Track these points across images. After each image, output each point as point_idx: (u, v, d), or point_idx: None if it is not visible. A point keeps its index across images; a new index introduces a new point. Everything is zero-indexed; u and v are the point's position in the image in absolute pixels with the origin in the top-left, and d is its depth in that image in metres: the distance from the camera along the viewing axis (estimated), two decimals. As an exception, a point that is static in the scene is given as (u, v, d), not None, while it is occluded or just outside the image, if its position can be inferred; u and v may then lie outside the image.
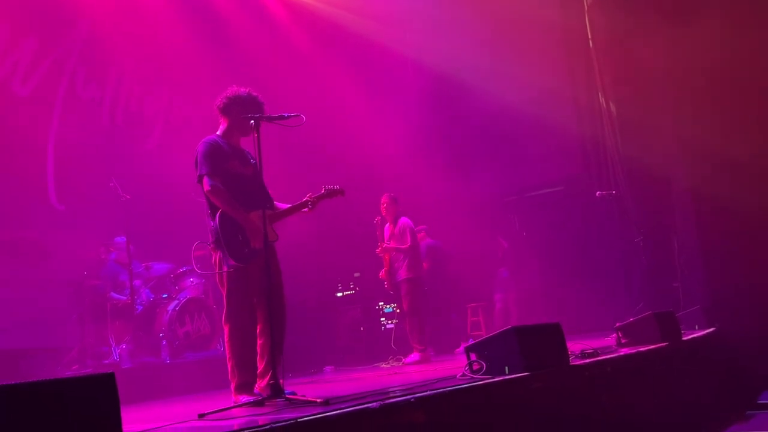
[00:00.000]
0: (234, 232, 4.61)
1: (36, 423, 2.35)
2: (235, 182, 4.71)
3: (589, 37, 10.07)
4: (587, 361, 5.07)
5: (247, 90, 4.88)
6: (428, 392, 3.66)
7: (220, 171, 4.69)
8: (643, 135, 8.93)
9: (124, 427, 2.67)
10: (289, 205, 4.99)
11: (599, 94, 10.05)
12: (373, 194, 8.64)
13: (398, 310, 9.58)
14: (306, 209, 4.97)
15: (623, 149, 9.61)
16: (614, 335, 6.50)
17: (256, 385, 4.63)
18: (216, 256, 4.71)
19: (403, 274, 8.25)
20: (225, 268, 4.63)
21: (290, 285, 5.01)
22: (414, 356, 7.99)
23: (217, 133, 4.92)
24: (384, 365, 8.03)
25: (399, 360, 8.15)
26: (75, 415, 2.44)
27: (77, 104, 8.59)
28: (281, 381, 4.27)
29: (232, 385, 4.60)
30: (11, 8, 7.95)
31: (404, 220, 8.39)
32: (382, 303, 10.22)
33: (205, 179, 4.66)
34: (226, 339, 4.69)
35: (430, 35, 11.26)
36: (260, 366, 4.67)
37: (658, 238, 9.14)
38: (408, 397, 3.47)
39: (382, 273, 8.45)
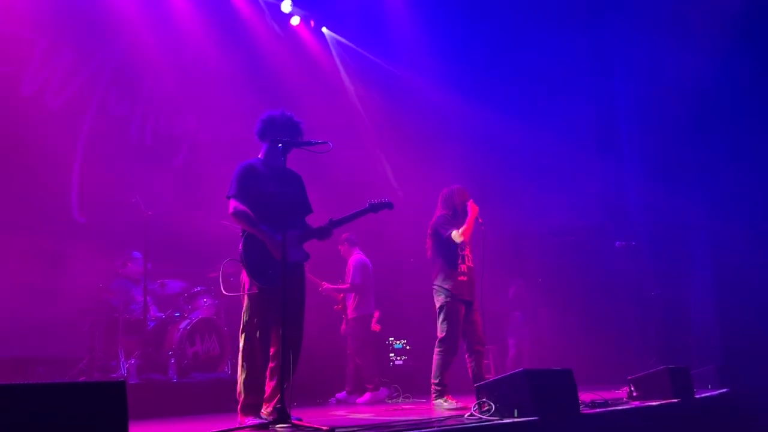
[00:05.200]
0: (257, 254, 4.61)
1: (44, 425, 2.36)
2: (268, 204, 4.68)
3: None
4: (597, 410, 5.01)
5: (281, 111, 4.90)
6: (435, 428, 3.63)
7: (250, 193, 4.69)
8: (668, 188, 8.92)
9: (129, 440, 2.66)
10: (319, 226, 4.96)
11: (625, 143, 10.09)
12: (396, 227, 8.59)
13: (408, 347, 9.60)
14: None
15: (647, 201, 9.59)
16: (626, 387, 6.42)
17: (263, 409, 4.60)
18: (244, 274, 4.72)
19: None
20: (246, 287, 4.64)
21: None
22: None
23: (259, 156, 4.95)
24: (389, 401, 7.94)
25: (408, 397, 8.06)
26: (83, 419, 2.45)
27: (107, 120, 8.67)
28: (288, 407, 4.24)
29: (239, 406, 4.57)
30: (51, 22, 8.12)
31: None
32: (392, 338, 10.15)
33: (231, 201, 4.70)
34: (239, 356, 4.67)
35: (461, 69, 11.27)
36: (268, 389, 4.64)
37: (675, 293, 9.07)
38: None
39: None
